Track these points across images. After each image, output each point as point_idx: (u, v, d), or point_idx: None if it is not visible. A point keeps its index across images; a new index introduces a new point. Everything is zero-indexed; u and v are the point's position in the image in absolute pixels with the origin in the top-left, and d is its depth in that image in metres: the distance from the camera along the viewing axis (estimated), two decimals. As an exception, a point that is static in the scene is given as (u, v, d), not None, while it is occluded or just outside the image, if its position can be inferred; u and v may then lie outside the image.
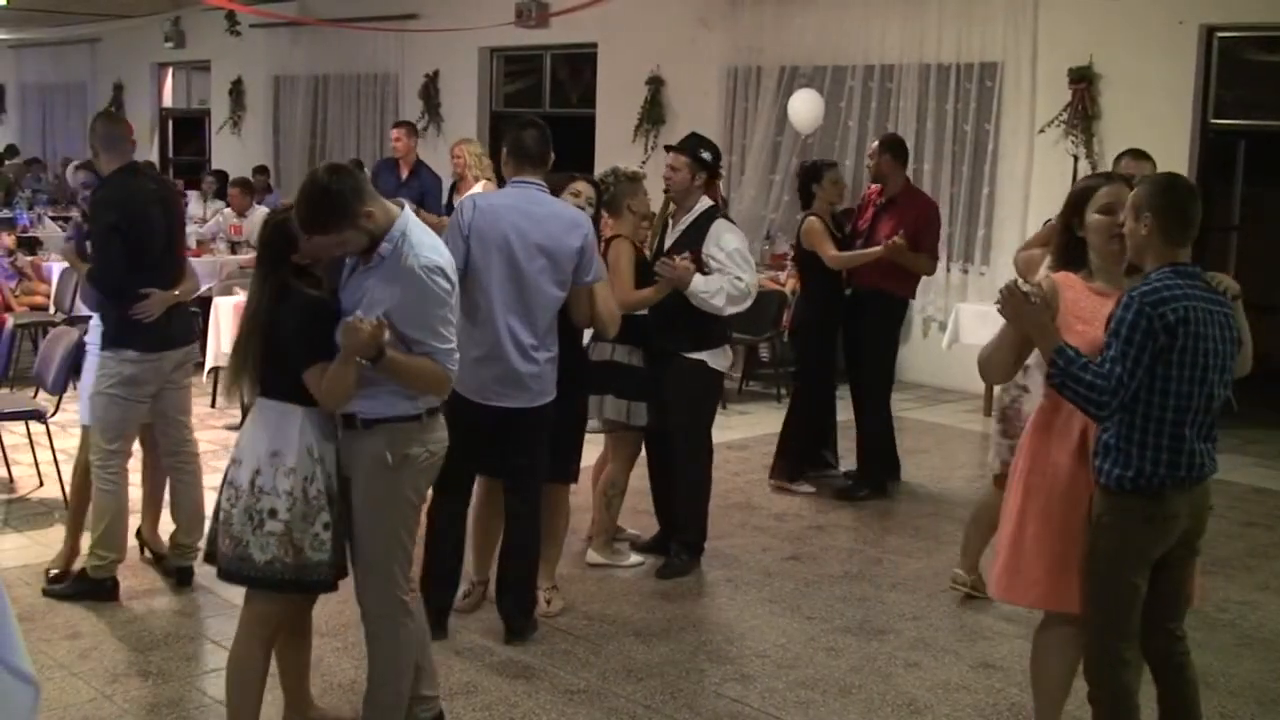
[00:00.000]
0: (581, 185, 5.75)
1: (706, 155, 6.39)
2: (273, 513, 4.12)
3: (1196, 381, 3.85)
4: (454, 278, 4.20)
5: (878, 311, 7.97)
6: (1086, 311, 4.10)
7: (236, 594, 5.93)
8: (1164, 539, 3.98)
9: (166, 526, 6.36)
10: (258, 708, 4.36)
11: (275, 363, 4.20)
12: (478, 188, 9.84)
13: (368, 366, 4.01)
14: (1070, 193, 4.41)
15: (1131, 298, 3.84)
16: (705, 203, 6.42)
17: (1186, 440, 3.89)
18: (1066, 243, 4.31)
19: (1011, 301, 3.97)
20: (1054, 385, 3.92)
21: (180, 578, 6.12)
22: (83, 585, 5.92)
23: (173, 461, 6.17)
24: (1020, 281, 4.09)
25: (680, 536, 6.54)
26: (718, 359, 6.40)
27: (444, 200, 10.62)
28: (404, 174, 10.81)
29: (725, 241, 6.24)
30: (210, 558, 4.38)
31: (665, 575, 6.43)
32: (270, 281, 4.22)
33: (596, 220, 5.72)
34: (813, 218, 7.92)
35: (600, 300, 5.47)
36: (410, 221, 4.16)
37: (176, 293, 5.90)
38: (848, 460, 8.41)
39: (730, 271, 6.18)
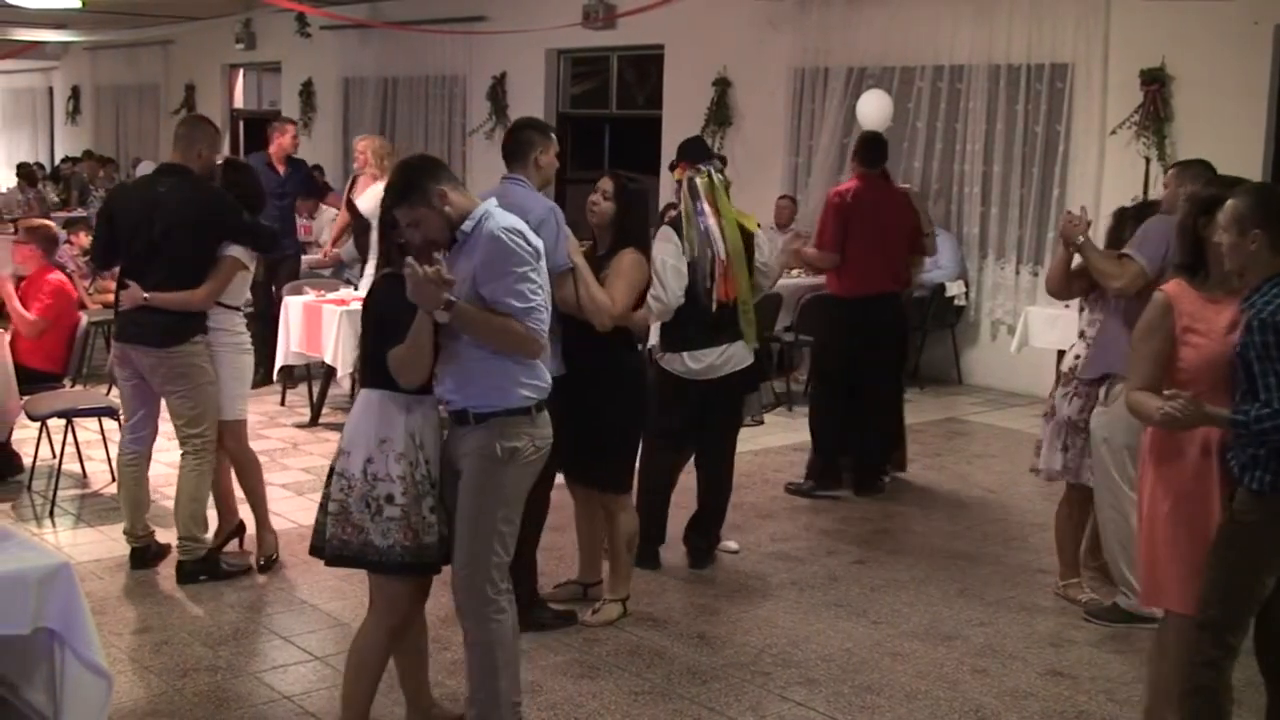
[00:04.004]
0: (602, 180, 5.72)
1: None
2: (389, 498, 4.19)
3: None
4: (537, 245, 4.27)
5: (821, 311, 7.99)
6: (1203, 323, 4.12)
7: (307, 590, 6.02)
8: None
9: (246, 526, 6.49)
10: (372, 694, 4.42)
11: (376, 352, 4.26)
12: (375, 188, 9.70)
13: (446, 324, 4.07)
14: (1196, 195, 4.44)
15: (1262, 321, 3.84)
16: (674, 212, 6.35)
17: None
18: (1191, 244, 4.30)
19: (1171, 423, 4.00)
20: (1253, 446, 3.92)
21: (177, 572, 6.20)
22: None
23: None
24: (1167, 406, 4.03)
25: None
26: (672, 363, 6.27)
27: (345, 193, 10.38)
28: (281, 170, 10.67)
29: (653, 251, 5.98)
30: (315, 550, 4.38)
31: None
32: (379, 266, 4.37)
33: (622, 215, 5.64)
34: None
35: (583, 287, 5.33)
36: (494, 205, 4.28)
37: (145, 295, 5.94)
38: (920, 463, 8.36)
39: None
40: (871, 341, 8.01)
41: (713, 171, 6.28)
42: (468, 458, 4.26)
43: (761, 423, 6.88)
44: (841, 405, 8.13)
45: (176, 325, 6.01)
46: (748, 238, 6.35)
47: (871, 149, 8.12)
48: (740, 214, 6.36)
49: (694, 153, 6.37)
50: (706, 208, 6.19)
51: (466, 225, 4.19)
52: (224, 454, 6.36)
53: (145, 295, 5.96)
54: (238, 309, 6.32)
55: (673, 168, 6.35)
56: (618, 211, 5.63)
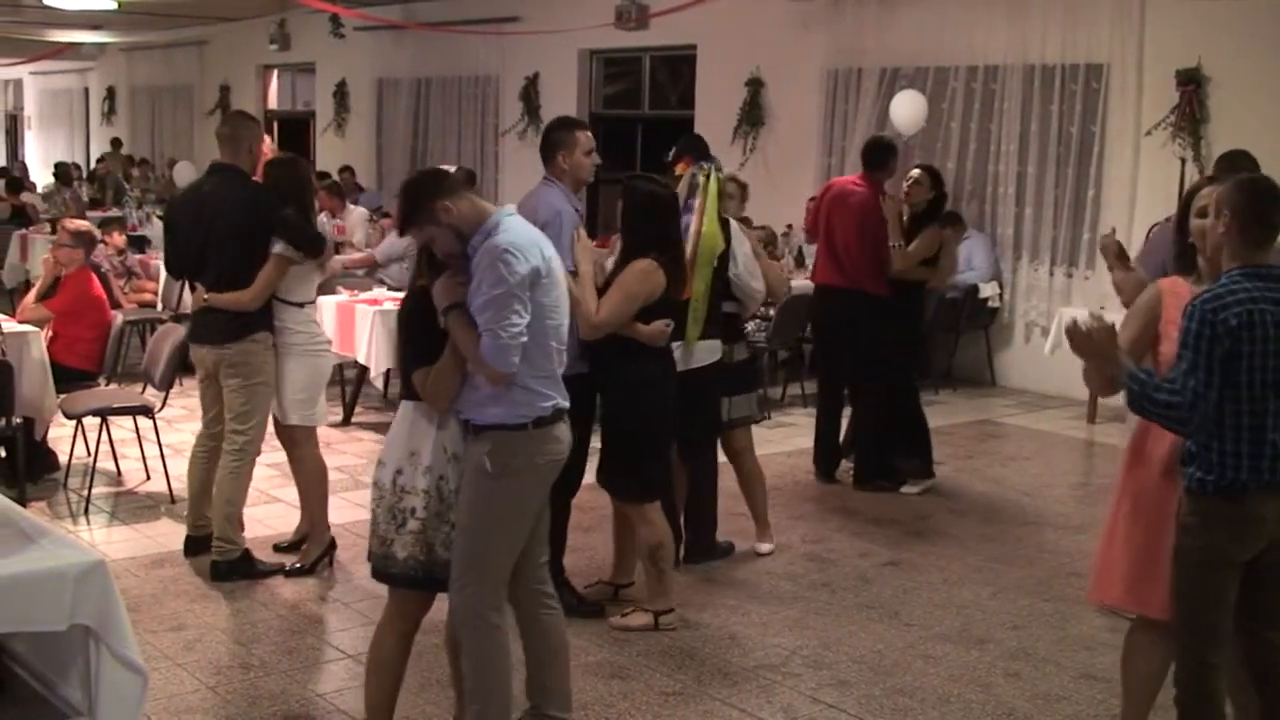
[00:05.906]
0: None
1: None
2: (412, 511, 4.18)
3: (1270, 385, 3.81)
4: (537, 265, 4.08)
5: None
6: None
7: (340, 588, 6.04)
8: (1248, 542, 3.93)
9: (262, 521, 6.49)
10: (394, 698, 4.42)
11: (407, 365, 4.29)
12: None
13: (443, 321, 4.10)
14: (1186, 193, 4.46)
15: (1194, 306, 3.82)
16: None
17: (1268, 443, 3.84)
18: (1182, 247, 4.32)
19: (1077, 338, 3.92)
20: (1135, 410, 3.93)
21: (210, 571, 6.21)
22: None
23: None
24: (1079, 319, 4.01)
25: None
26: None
27: None
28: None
29: None
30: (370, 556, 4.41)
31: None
32: (414, 276, 4.34)
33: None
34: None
35: (576, 293, 5.25)
36: (507, 215, 4.17)
37: (205, 296, 6.09)
38: (953, 465, 8.32)
39: None
40: (816, 330, 8.48)
41: (714, 170, 6.23)
42: (466, 470, 4.20)
43: (728, 429, 6.71)
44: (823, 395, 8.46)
45: (234, 322, 6.08)
46: (724, 249, 6.27)
47: (869, 152, 8.24)
48: (719, 226, 6.22)
49: (697, 148, 6.38)
50: (696, 205, 6.13)
51: (476, 240, 4.08)
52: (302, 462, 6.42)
53: (205, 296, 6.10)
54: (302, 305, 6.26)
55: (674, 161, 6.34)
56: (622, 212, 5.58)
